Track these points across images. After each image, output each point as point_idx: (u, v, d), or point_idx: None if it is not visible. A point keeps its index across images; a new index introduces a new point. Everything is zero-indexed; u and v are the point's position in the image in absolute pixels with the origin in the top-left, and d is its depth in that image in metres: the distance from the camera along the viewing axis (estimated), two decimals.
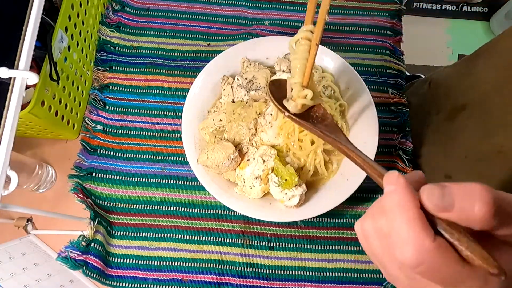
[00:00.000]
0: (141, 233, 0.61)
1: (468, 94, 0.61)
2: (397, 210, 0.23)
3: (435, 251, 0.22)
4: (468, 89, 0.61)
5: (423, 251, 0.22)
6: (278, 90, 0.45)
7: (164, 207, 0.63)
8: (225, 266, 0.60)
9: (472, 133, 0.58)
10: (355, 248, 0.61)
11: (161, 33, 0.73)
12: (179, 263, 0.60)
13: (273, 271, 0.60)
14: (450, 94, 0.65)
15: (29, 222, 0.60)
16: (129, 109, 0.68)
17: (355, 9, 0.77)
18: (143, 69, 0.71)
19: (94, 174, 0.64)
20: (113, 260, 0.60)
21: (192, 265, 0.60)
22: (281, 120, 0.57)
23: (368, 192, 0.64)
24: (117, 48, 0.72)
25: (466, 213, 0.22)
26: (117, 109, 0.68)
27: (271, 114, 0.57)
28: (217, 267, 0.60)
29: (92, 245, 0.58)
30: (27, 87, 0.45)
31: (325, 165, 0.58)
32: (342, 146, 0.35)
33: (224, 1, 0.76)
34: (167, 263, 0.60)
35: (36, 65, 0.57)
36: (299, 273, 0.60)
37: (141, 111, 0.68)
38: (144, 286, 0.59)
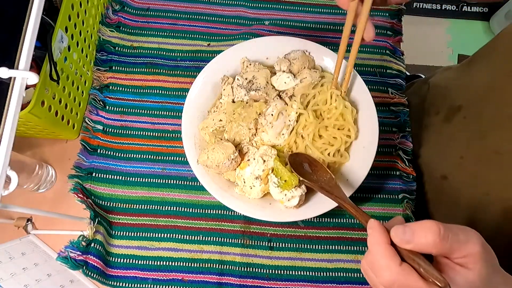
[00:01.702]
0: (141, 233, 0.61)
1: (464, 95, 0.61)
2: (374, 246, 0.33)
3: (402, 272, 0.31)
4: (464, 90, 0.61)
5: (394, 273, 0.31)
6: (296, 163, 0.54)
7: (164, 207, 0.63)
8: (225, 266, 0.60)
9: (467, 134, 0.57)
10: (355, 248, 0.61)
11: (161, 33, 0.73)
12: (179, 263, 0.60)
13: (273, 271, 0.60)
14: (447, 95, 0.65)
15: (29, 222, 0.60)
16: (129, 109, 0.68)
17: None
18: (143, 69, 0.71)
19: (94, 174, 0.64)
20: (113, 260, 0.60)
21: (192, 265, 0.60)
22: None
23: (368, 192, 0.64)
24: (117, 48, 0.72)
25: (421, 243, 0.31)
26: (117, 109, 0.68)
27: (271, 114, 0.57)
28: (217, 267, 0.60)
29: (92, 245, 0.58)
30: (27, 87, 0.45)
31: None
32: (341, 201, 0.46)
33: (224, 1, 0.76)
34: (167, 263, 0.60)
35: (36, 65, 0.57)
36: (299, 273, 0.60)
37: (141, 111, 0.68)
38: (144, 286, 0.59)
